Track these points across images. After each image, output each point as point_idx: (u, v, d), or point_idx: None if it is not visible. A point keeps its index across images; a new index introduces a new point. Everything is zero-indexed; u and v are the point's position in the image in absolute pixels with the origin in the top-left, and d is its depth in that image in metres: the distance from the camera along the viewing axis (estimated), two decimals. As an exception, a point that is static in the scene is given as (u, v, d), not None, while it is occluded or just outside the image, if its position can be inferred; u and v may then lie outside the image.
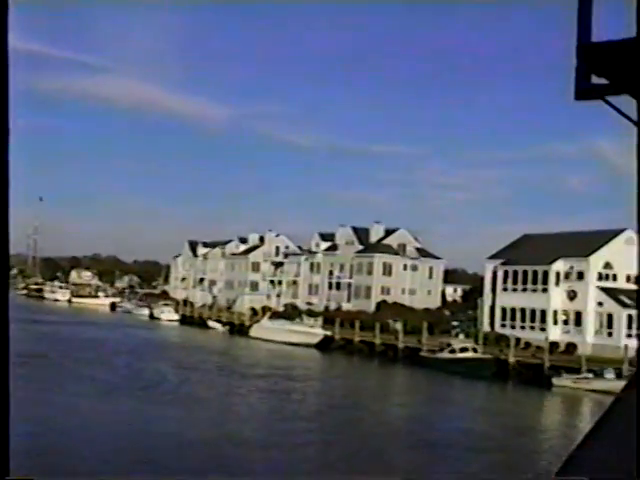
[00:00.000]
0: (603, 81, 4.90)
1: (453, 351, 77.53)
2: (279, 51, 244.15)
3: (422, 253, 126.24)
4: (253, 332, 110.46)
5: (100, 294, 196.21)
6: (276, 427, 42.68)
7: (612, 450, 3.66)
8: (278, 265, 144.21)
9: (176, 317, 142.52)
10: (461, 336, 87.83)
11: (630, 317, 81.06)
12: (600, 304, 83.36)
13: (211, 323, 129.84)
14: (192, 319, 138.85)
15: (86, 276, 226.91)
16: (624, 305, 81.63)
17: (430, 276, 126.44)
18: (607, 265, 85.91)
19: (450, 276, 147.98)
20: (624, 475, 3.25)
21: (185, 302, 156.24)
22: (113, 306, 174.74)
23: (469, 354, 76.64)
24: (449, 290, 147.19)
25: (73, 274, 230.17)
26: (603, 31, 4.80)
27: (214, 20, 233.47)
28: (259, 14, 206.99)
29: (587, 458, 3.27)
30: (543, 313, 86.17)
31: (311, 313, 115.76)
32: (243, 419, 45.82)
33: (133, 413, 44.33)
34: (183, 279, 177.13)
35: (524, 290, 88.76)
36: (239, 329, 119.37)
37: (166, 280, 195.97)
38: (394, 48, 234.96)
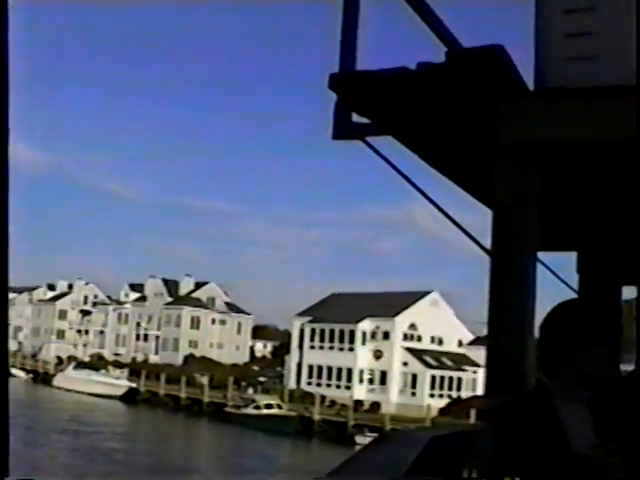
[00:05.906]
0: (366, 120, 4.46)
1: (258, 407, 77.15)
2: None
3: (232, 308, 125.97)
4: (57, 382, 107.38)
5: None
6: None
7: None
8: (86, 314, 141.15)
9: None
10: (264, 393, 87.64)
11: (433, 377, 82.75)
12: (405, 364, 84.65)
13: (14, 371, 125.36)
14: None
15: None
16: (428, 365, 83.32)
17: (239, 331, 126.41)
18: (412, 326, 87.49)
19: (261, 331, 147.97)
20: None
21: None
22: None
23: (274, 410, 76.36)
24: (259, 346, 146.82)
25: None
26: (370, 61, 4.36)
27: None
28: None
29: None
30: (349, 371, 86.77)
31: (118, 364, 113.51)
32: None
33: None
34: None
35: (331, 348, 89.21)
36: (43, 378, 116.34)
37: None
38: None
